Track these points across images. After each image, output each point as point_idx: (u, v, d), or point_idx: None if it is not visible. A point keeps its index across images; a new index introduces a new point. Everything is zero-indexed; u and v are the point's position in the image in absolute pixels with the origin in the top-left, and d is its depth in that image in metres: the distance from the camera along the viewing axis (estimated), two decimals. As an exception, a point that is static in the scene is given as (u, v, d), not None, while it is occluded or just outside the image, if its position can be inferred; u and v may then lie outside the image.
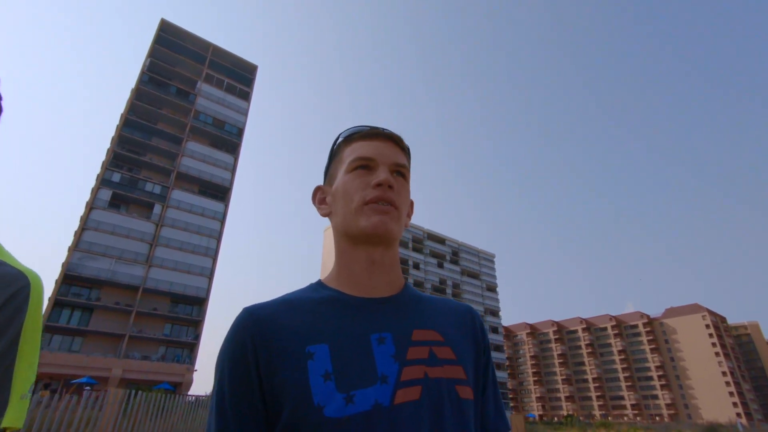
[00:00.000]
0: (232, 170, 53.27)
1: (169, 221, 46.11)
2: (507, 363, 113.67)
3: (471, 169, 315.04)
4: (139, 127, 48.81)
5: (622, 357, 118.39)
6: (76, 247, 40.31)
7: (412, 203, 0.84)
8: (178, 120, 50.82)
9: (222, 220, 50.47)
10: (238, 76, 59.45)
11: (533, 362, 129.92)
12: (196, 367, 43.54)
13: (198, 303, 46.52)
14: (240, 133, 56.46)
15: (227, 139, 54.42)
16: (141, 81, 50.25)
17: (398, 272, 0.78)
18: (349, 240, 0.76)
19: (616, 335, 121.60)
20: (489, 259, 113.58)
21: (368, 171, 0.75)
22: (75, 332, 39.28)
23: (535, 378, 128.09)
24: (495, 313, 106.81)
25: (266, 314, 0.66)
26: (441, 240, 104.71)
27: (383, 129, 0.79)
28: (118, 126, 47.54)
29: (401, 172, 0.77)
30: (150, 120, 49.92)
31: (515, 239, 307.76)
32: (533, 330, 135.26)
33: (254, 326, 0.65)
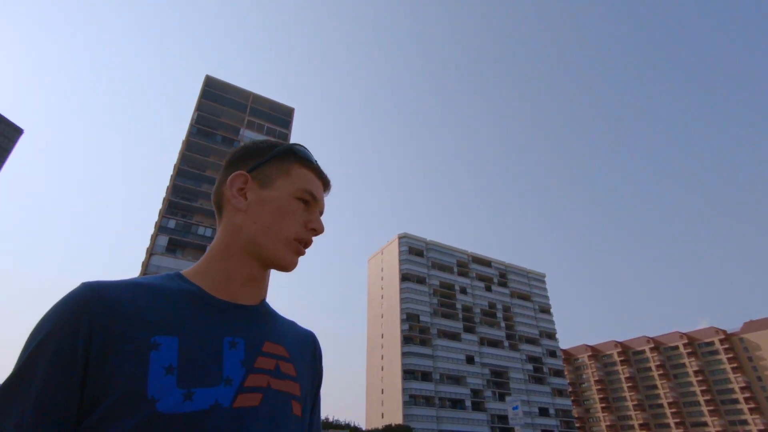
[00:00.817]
0: (276, 209, 55.80)
1: (220, 262, 48.62)
2: (570, 389, 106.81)
3: (514, 186, 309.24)
4: (190, 175, 52.54)
5: (700, 378, 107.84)
6: (138, 292, 43.28)
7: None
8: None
9: (269, 258, 52.49)
10: (277, 119, 62.95)
11: (599, 387, 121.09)
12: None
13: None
14: (281, 172, 59.21)
15: (270, 180, 57.36)
16: (190, 133, 54.50)
17: (265, 287, 0.79)
18: (247, 252, 0.74)
19: (689, 354, 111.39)
20: (539, 279, 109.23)
21: (307, 208, 0.78)
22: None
23: (603, 405, 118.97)
24: (551, 335, 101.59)
25: (112, 295, 0.61)
26: (487, 262, 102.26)
27: (328, 177, 0.86)
28: (171, 176, 51.49)
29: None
30: (199, 168, 53.64)
31: (566, 256, 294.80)
32: (595, 352, 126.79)
33: (95, 305, 0.59)
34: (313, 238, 0.79)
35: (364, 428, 34.01)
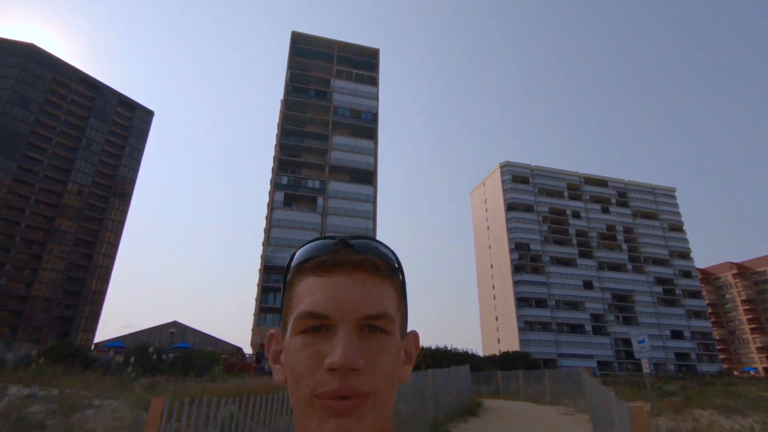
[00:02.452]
0: (374, 154, 57.14)
1: (331, 210, 52.58)
2: (709, 311, 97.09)
3: (626, 95, 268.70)
4: (293, 133, 56.02)
5: None
6: (267, 243, 49.40)
7: (414, 336, 0.57)
8: (321, 119, 56.69)
9: (373, 202, 55.01)
10: (364, 64, 62.51)
11: (747, 307, 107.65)
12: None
13: (367, 278, 52.63)
14: (375, 118, 59.70)
15: (365, 126, 58.35)
16: (287, 92, 57.31)
17: None
18: None
19: None
20: (668, 194, 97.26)
21: (322, 337, 0.47)
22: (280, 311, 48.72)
23: (752, 325, 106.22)
24: (685, 255, 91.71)
25: None
26: (602, 182, 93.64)
27: (352, 247, 0.51)
28: (277, 135, 55.54)
29: (376, 326, 0.48)
30: (300, 125, 56.77)
31: (700, 166, 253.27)
32: (742, 270, 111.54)
33: None
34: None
35: (481, 355, 35.74)
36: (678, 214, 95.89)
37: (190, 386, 11.55)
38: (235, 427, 3.73)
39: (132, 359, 18.46)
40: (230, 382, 12.72)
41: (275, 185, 52.41)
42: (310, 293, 0.48)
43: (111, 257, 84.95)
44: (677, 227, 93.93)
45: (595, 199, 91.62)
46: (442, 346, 29.28)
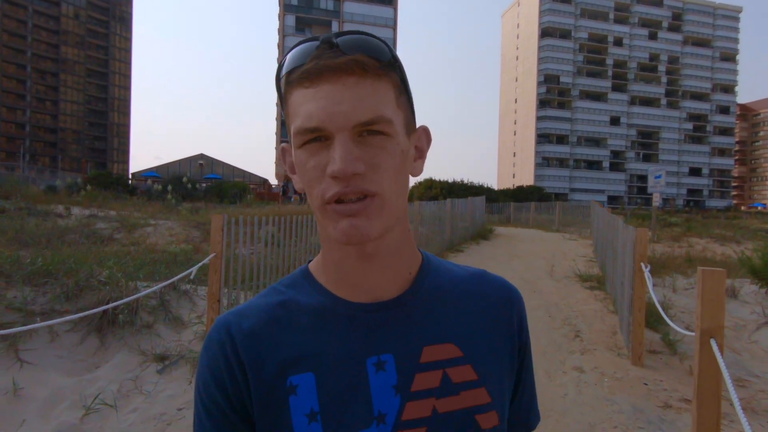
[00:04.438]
0: (395, -34, 49.69)
1: (347, 37, 48.77)
2: (735, 148, 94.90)
3: None
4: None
5: None
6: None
7: (423, 131, 0.55)
8: None
9: (394, 27, 50.12)
10: None
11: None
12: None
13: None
14: None
15: (383, -71, 49.32)
16: None
17: (405, 257, 0.55)
18: None
19: None
20: (731, 16, 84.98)
21: (322, 146, 0.46)
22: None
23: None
24: (728, 88, 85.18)
25: (245, 331, 0.51)
26: (657, 1, 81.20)
27: (333, 52, 0.45)
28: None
29: (373, 130, 0.46)
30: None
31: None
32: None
33: (231, 348, 0.51)
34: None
35: (495, 188, 37.27)
36: (735, 40, 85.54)
37: (230, 210, 12.74)
38: (275, 243, 4.28)
39: (169, 187, 19.98)
40: (265, 208, 13.92)
41: (284, 6, 47.56)
42: (301, 106, 0.46)
43: (126, 89, 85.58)
44: (730, 56, 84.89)
45: (645, 23, 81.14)
46: (458, 179, 30.43)
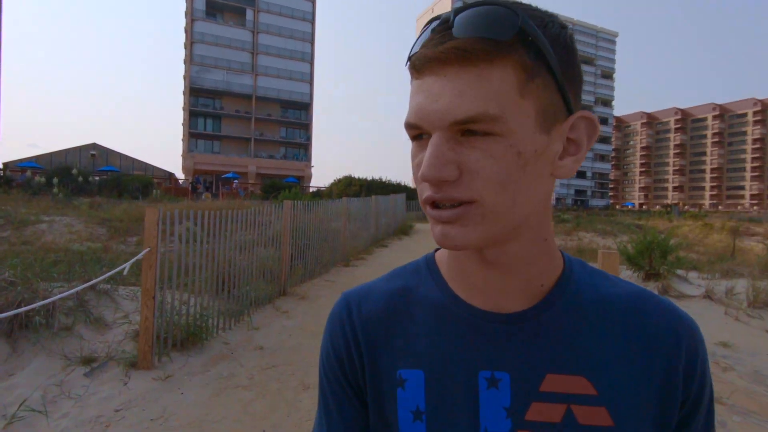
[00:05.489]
0: (313, -40, 48.87)
1: (263, 27, 46.60)
2: (612, 155, 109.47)
3: None
4: None
5: (757, 146, 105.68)
6: (191, 61, 44.09)
7: (585, 120, 0.42)
8: None
9: (312, 21, 49.27)
10: None
11: (643, 153, 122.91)
12: (312, 164, 50.56)
13: (304, 108, 50.43)
14: None
15: None
16: None
17: (537, 267, 0.45)
18: None
19: (756, 122, 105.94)
20: (609, 39, 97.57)
21: (425, 143, 0.41)
22: (212, 137, 46.70)
23: (643, 169, 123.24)
24: (607, 102, 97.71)
25: (364, 316, 0.50)
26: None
27: (441, 37, 0.37)
28: None
29: (474, 130, 0.37)
30: None
31: (646, 12, 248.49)
32: (651, 119, 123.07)
33: (350, 328, 0.50)
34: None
35: (412, 186, 38.59)
36: (613, 60, 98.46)
37: (138, 206, 11.70)
38: (207, 238, 4.16)
39: (55, 180, 17.68)
40: (180, 203, 13.00)
41: (193, -12, 44.15)
42: (411, 97, 0.42)
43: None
44: (609, 74, 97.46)
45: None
46: (377, 177, 31.10)
